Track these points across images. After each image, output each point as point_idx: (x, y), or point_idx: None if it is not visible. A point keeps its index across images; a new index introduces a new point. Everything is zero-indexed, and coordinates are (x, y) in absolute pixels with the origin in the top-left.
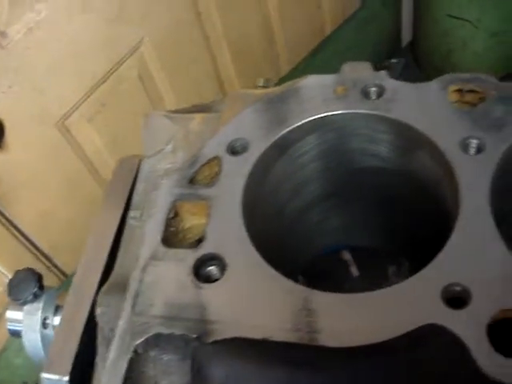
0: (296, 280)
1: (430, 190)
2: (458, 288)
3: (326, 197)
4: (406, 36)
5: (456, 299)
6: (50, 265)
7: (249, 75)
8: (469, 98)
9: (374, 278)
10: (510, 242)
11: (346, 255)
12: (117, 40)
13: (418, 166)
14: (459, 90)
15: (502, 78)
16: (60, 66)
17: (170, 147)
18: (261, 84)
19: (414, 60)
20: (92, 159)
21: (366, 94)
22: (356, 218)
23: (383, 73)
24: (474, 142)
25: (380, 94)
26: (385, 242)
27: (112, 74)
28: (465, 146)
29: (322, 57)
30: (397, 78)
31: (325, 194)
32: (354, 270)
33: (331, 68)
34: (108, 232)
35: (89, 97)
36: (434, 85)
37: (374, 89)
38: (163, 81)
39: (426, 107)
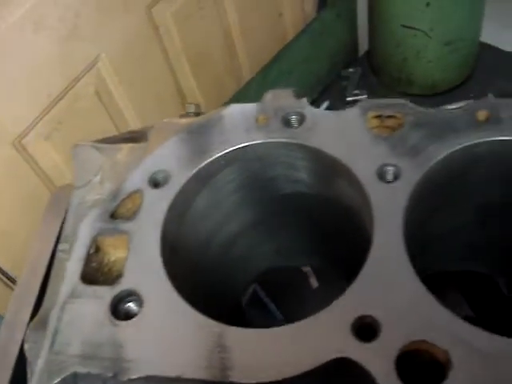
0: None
1: (353, 217)
2: (368, 320)
3: (255, 224)
4: (363, 45)
5: (366, 331)
6: (12, 285)
7: (211, 88)
8: (389, 123)
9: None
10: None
11: (306, 267)
12: (72, 57)
13: (339, 192)
14: (379, 116)
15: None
16: (15, 85)
17: (98, 178)
18: (191, 110)
19: (371, 69)
20: (51, 177)
21: (286, 123)
22: (288, 241)
23: (304, 100)
24: (390, 170)
25: (301, 122)
26: (320, 263)
27: (68, 91)
28: (381, 174)
29: (277, 69)
30: (355, 87)
31: (254, 222)
32: (314, 282)
33: (285, 81)
34: (40, 266)
35: (45, 115)
36: (353, 111)
37: (294, 117)
38: (122, 96)
39: (344, 135)
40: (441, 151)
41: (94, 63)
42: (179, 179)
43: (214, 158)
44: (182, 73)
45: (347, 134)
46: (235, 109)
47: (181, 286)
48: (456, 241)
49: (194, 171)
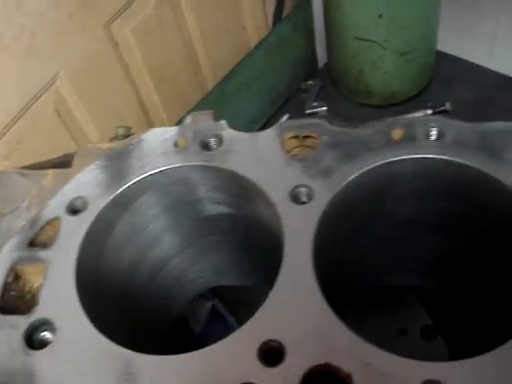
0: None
1: (274, 238)
2: (274, 345)
3: (185, 246)
4: (323, 58)
5: (272, 356)
6: None
7: (175, 101)
8: (309, 142)
9: None
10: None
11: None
12: (29, 76)
13: (259, 213)
14: (297, 136)
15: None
16: None
17: (25, 204)
18: (121, 133)
19: (331, 80)
20: None
21: (205, 145)
22: (223, 261)
23: (223, 123)
24: (303, 191)
25: (219, 145)
26: (254, 281)
27: (27, 110)
28: (294, 195)
29: (235, 83)
30: (314, 99)
31: (183, 245)
32: None
33: (244, 95)
34: None
35: (4, 135)
36: (270, 133)
37: (212, 139)
38: (83, 113)
39: (260, 156)
40: (353, 171)
41: (52, 81)
42: (97, 205)
43: (131, 183)
44: (144, 87)
45: (263, 156)
46: (155, 132)
47: (103, 311)
48: (388, 257)
49: (112, 197)
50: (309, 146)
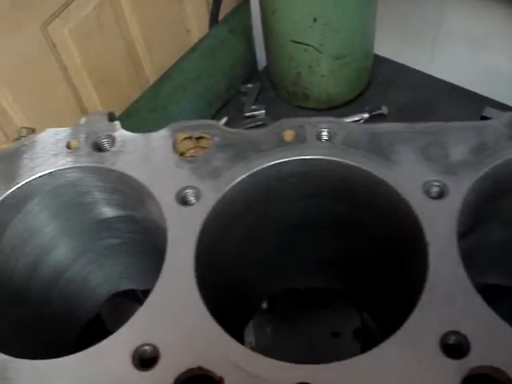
0: None
1: (164, 241)
2: (149, 348)
3: (83, 250)
4: (263, 60)
5: (146, 360)
6: None
7: (117, 103)
8: (203, 143)
9: None
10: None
11: None
12: None
13: (151, 216)
14: (191, 137)
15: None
16: None
17: None
18: (23, 134)
19: (270, 83)
20: None
21: (98, 146)
22: (125, 264)
23: (116, 123)
24: (190, 193)
25: (111, 146)
26: None
27: None
28: (182, 197)
29: (169, 85)
30: (253, 102)
31: (81, 248)
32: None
33: (180, 97)
34: None
35: None
36: (162, 133)
37: (105, 140)
38: (19, 116)
39: (150, 158)
40: (242, 172)
41: None
42: None
43: (21, 184)
44: (83, 89)
45: (153, 157)
46: (48, 133)
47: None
48: (286, 259)
49: (1, 198)
50: (204, 147)
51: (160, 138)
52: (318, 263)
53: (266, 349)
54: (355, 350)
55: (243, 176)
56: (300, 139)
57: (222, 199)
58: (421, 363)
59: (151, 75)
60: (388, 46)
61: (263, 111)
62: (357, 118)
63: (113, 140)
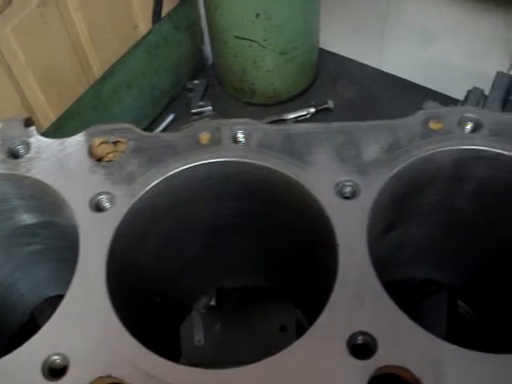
0: None
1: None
2: (57, 358)
3: (5, 260)
4: (210, 56)
5: (56, 370)
6: None
7: (64, 102)
8: (121, 147)
9: None
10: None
11: None
12: None
13: (68, 222)
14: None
15: None
16: None
17: None
18: None
19: (217, 79)
20: None
21: (12, 153)
22: (53, 270)
23: (32, 129)
24: (103, 198)
25: (26, 152)
26: None
27: None
28: (95, 203)
29: (113, 83)
30: (200, 99)
31: (3, 258)
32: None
33: (124, 95)
34: None
35: None
36: (77, 138)
37: (20, 147)
38: None
39: (65, 164)
40: (156, 176)
41: None
42: None
43: None
44: (28, 89)
45: (68, 163)
46: None
47: None
48: (216, 260)
49: None
50: (122, 152)
51: (76, 143)
52: (245, 263)
53: (214, 345)
54: None
55: (158, 180)
56: (216, 142)
57: (136, 204)
58: (329, 364)
59: (99, 73)
60: (335, 41)
61: (210, 107)
62: (303, 113)
63: (28, 146)
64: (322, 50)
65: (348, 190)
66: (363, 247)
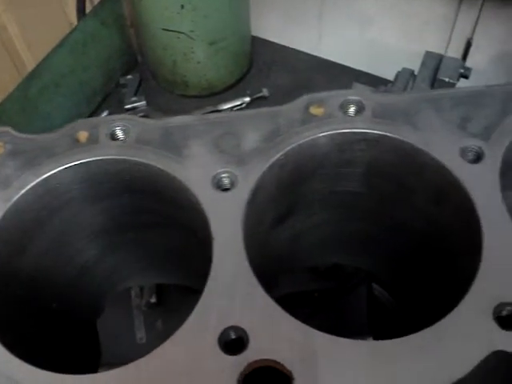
0: None
1: None
2: None
3: None
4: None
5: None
6: None
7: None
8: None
9: None
10: None
11: None
12: None
13: None
14: None
15: None
16: None
17: None
18: None
19: (150, 73)
20: None
21: None
22: None
23: None
24: None
25: None
26: None
27: None
28: None
29: (39, 83)
30: (134, 93)
31: None
32: None
33: (54, 94)
34: None
35: None
36: None
37: None
38: None
39: None
40: (31, 179)
41: None
42: None
43: None
44: None
45: None
46: None
47: None
48: (109, 261)
49: None
50: None
51: None
52: (149, 262)
53: (157, 342)
54: None
55: (34, 183)
56: (94, 140)
57: (11, 209)
58: (200, 362)
59: None
60: (271, 28)
61: (144, 102)
62: (238, 103)
63: None
64: (256, 39)
65: (225, 181)
66: (238, 240)
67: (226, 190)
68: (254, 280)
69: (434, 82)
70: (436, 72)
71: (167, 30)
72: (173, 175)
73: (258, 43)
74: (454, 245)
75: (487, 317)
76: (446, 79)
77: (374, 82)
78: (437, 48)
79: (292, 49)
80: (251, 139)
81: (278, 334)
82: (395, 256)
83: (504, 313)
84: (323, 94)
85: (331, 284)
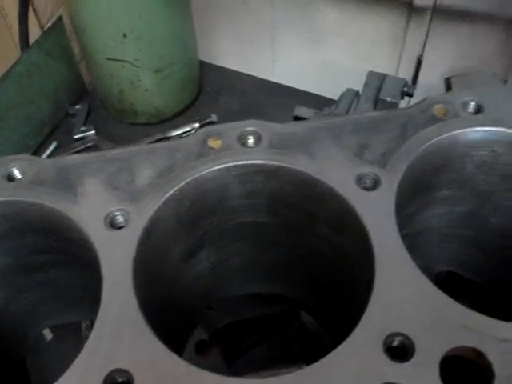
0: None
1: None
2: None
3: None
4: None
5: None
6: None
7: None
8: None
9: None
10: None
11: None
12: None
13: None
14: None
15: None
16: None
17: None
18: None
19: (100, 102)
20: None
21: None
22: None
23: None
24: None
25: None
26: None
27: None
28: None
29: None
30: (83, 123)
31: None
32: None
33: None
34: None
35: None
36: None
37: None
38: None
39: None
40: None
41: None
42: None
43: None
44: None
45: None
46: None
47: None
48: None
49: None
50: None
51: None
52: (63, 300)
53: None
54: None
55: None
56: None
57: None
58: None
59: None
60: (222, 54)
61: (93, 131)
62: (187, 129)
63: None
64: (206, 64)
65: (119, 219)
66: (128, 279)
67: (121, 227)
68: (141, 321)
69: (377, 102)
70: (379, 92)
71: (112, 60)
72: (66, 215)
73: (207, 69)
74: (356, 274)
75: (378, 348)
76: (388, 99)
77: (325, 103)
78: (388, 67)
79: (242, 73)
80: (146, 175)
81: (162, 375)
82: (312, 283)
83: (395, 343)
84: (221, 126)
85: (278, 309)
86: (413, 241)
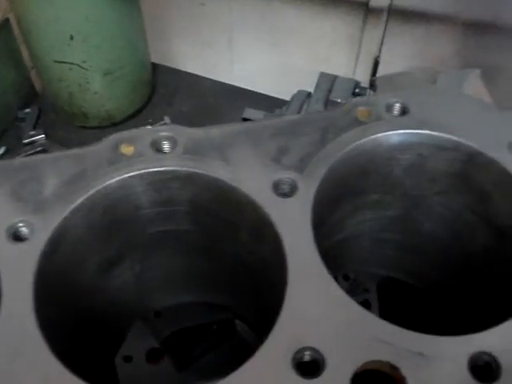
0: None
1: None
2: None
3: None
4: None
5: None
6: None
7: None
8: None
9: None
10: None
11: None
12: None
13: None
14: None
15: None
16: None
17: None
18: None
19: (51, 106)
20: None
21: None
22: None
23: None
24: None
25: None
26: None
27: None
28: None
29: None
30: (33, 127)
31: None
32: None
33: None
34: None
35: None
36: None
37: None
38: None
39: None
40: None
41: None
42: None
43: None
44: None
45: None
46: None
47: None
48: None
49: None
50: None
51: None
52: None
53: None
54: (150, 370)
55: None
56: None
57: None
58: None
59: None
60: (178, 56)
61: (43, 135)
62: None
63: None
64: (160, 67)
65: (22, 231)
66: (27, 295)
67: (24, 240)
68: (40, 339)
69: (327, 103)
70: (329, 92)
71: (59, 62)
72: None
73: (161, 71)
74: (276, 284)
75: (286, 363)
76: (338, 100)
77: (281, 105)
78: (346, 67)
79: (197, 76)
80: (54, 184)
81: None
82: (241, 292)
83: (305, 358)
84: (133, 132)
85: (218, 318)
86: (348, 245)
